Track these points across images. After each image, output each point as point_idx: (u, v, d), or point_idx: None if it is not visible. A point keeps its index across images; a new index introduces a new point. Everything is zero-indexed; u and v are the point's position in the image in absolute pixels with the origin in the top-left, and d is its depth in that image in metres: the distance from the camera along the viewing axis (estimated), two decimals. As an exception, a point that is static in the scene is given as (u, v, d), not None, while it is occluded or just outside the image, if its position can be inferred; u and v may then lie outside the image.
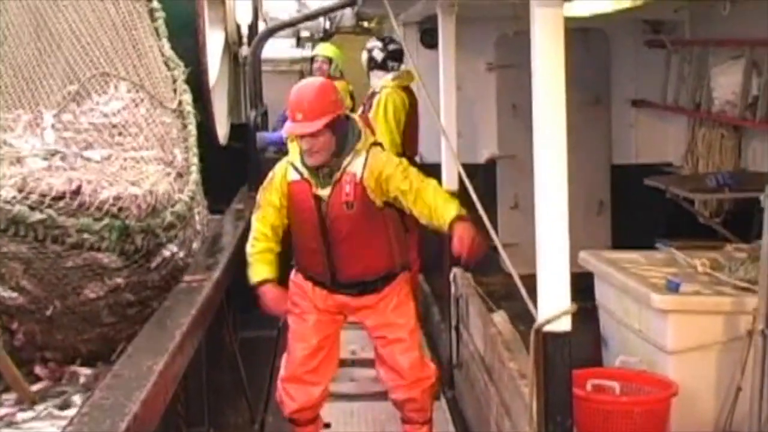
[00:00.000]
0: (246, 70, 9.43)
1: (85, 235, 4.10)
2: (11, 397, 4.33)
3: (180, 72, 5.48)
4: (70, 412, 4.26)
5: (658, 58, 8.35)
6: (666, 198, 7.18)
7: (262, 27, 9.63)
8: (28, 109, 4.60)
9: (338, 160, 4.72)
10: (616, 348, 5.66)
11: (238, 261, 5.66)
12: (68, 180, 4.11)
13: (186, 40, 6.98)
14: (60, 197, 4.05)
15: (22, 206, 3.94)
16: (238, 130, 9.03)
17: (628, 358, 5.26)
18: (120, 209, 4.23)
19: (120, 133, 4.61)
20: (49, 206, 3.99)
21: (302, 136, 4.66)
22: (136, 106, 4.89)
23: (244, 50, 9.26)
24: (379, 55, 7.65)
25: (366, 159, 4.73)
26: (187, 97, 5.44)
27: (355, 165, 4.72)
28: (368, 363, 6.37)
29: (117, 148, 4.52)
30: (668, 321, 5.05)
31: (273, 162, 8.56)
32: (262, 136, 8.58)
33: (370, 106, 7.35)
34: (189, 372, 4.20)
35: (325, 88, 4.81)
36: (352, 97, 9.32)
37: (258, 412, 5.79)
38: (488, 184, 8.76)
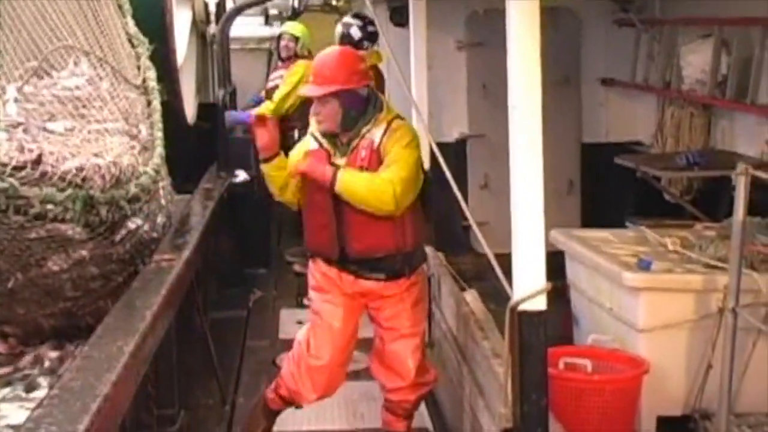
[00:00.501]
0: (214, 48, 9.35)
1: (49, 206, 4.01)
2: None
3: (144, 49, 5.41)
4: (38, 394, 4.23)
5: (628, 37, 8.33)
6: (635, 177, 7.19)
7: (229, 5, 9.54)
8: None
9: (357, 129, 4.64)
10: (588, 326, 5.68)
11: (208, 241, 5.62)
12: (28, 150, 4.03)
13: (153, 19, 6.91)
14: (21, 167, 3.95)
15: None
16: (206, 109, 8.96)
17: (600, 336, 5.29)
18: (84, 179, 4.15)
19: (84, 106, 4.52)
20: (11, 176, 3.90)
21: (316, 101, 4.64)
22: (100, 80, 4.81)
23: (212, 29, 9.18)
24: (356, 34, 7.62)
25: (386, 129, 4.64)
26: (152, 74, 5.38)
27: (374, 133, 4.63)
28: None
29: (80, 121, 4.44)
30: (640, 299, 5.07)
31: (242, 142, 8.62)
32: (230, 115, 8.51)
33: None
34: (159, 353, 4.16)
35: (345, 58, 4.73)
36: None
37: (228, 393, 5.75)
38: (458, 164, 8.73)
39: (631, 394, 4.91)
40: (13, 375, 4.48)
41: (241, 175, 8.23)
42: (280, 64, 9.63)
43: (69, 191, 4.08)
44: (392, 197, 4.47)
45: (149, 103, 5.06)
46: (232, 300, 7.54)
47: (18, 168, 3.96)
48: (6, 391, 4.36)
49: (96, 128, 4.45)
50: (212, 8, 9.15)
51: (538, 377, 3.17)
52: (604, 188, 8.44)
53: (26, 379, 4.48)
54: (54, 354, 4.77)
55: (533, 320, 3.15)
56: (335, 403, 5.65)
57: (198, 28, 9.22)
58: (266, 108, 8.70)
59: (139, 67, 5.09)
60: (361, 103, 4.66)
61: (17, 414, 3.89)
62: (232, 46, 9.25)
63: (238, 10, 8.71)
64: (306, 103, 5.93)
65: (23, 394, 4.18)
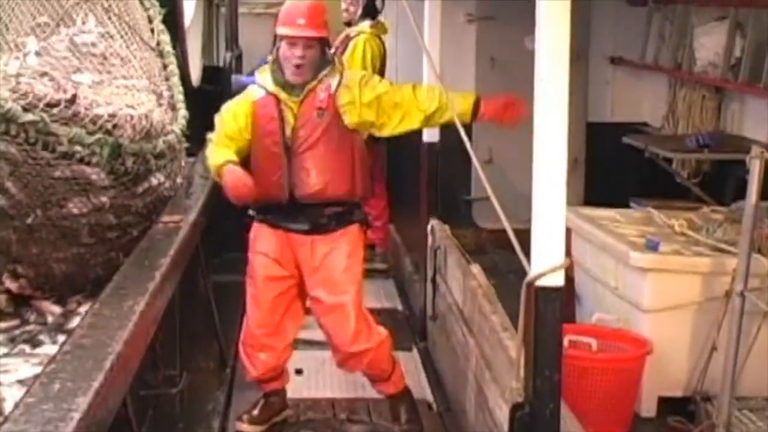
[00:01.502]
0: (221, 11, 9.28)
1: (77, 147, 4.02)
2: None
3: (156, 11, 5.34)
4: (44, 350, 4.20)
5: (639, 16, 8.28)
6: (640, 157, 7.16)
7: (239, -33, 9.47)
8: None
9: (313, 77, 4.69)
10: (591, 305, 5.66)
11: (213, 203, 5.59)
12: (63, 90, 4.00)
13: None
14: (55, 104, 3.95)
15: (15, 105, 3.82)
16: (210, 72, 8.89)
17: (604, 315, 5.27)
18: (115, 126, 4.16)
19: (103, 62, 4.48)
20: (44, 111, 3.89)
21: (297, 43, 4.61)
22: (111, 38, 4.76)
23: (221, -9, 9.12)
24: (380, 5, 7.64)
25: (340, 79, 4.73)
26: (166, 38, 5.32)
27: (329, 80, 4.71)
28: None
29: (106, 75, 4.40)
30: (646, 279, 5.05)
31: (247, 105, 8.55)
32: (237, 78, 8.47)
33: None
34: (164, 314, 4.14)
35: (321, 6, 4.83)
36: (327, 44, 9.19)
37: (229, 357, 5.74)
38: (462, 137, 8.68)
39: (634, 373, 4.90)
40: (18, 329, 4.44)
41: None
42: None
43: (98, 135, 4.08)
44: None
45: (165, 66, 4.99)
46: (233, 264, 7.47)
47: (51, 105, 3.95)
48: (10, 345, 4.32)
49: (123, 83, 4.41)
50: (222, -30, 9.10)
51: (552, 353, 3.15)
52: (608, 167, 8.41)
53: (30, 333, 4.44)
54: (57, 309, 4.74)
55: (550, 296, 3.12)
56: (335, 372, 5.64)
57: (205, -11, 9.14)
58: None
59: (152, 30, 5.02)
60: (326, 53, 4.77)
61: (24, 369, 3.86)
62: (240, 9, 9.20)
63: (249, -27, 8.64)
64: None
65: (28, 349, 4.15)
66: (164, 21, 5.56)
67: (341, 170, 4.73)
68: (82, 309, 4.51)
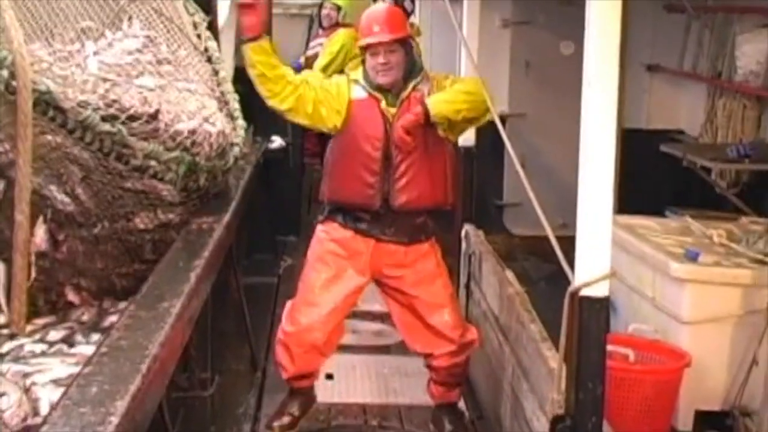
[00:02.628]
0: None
1: (152, 162, 3.98)
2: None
3: (200, 17, 5.24)
4: (80, 350, 4.16)
5: (677, 24, 8.19)
6: (676, 165, 7.07)
7: (273, -32, 9.43)
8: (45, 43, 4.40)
9: (405, 83, 4.69)
10: (626, 315, 5.58)
11: (246, 205, 5.55)
12: (148, 102, 3.98)
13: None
14: (137, 117, 3.92)
15: (94, 113, 3.78)
16: (241, 73, 8.85)
17: (641, 326, 5.19)
18: (193, 143, 4.12)
19: (159, 64, 4.42)
20: (123, 123, 3.86)
21: (378, 50, 4.61)
22: (162, 42, 4.69)
23: (255, -9, 9.09)
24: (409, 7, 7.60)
25: (431, 84, 4.72)
26: (213, 44, 5.22)
27: (422, 88, 4.70)
28: (370, 316, 6.32)
29: (168, 78, 4.35)
30: (685, 291, 4.97)
31: (278, 108, 8.53)
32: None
33: None
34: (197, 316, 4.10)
35: (398, 10, 4.98)
36: (359, 45, 9.16)
37: (260, 360, 5.70)
38: (496, 142, 8.61)
39: (671, 386, 4.83)
40: (53, 327, 4.40)
41: (277, 141, 8.15)
42: (320, 32, 9.58)
43: (176, 153, 4.04)
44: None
45: (216, 73, 4.92)
46: (263, 266, 7.49)
47: (134, 117, 3.92)
48: (44, 345, 4.27)
49: (185, 87, 4.36)
50: (256, -29, 9.06)
51: (596, 365, 3.08)
52: (642, 175, 8.31)
53: (65, 332, 4.39)
54: (93, 308, 4.69)
55: (594, 306, 3.05)
56: (366, 377, 5.61)
57: (239, -10, 9.12)
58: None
59: (199, 36, 4.95)
60: (412, 56, 4.79)
61: (59, 368, 3.81)
62: (274, 10, 9.16)
63: (284, -26, 8.62)
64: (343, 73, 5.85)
65: (65, 349, 4.10)
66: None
67: (435, 179, 4.71)
68: (116, 308, 4.47)
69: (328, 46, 9.05)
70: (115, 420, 2.38)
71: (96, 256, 4.43)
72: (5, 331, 4.09)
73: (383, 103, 4.66)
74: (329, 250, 4.80)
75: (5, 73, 3.59)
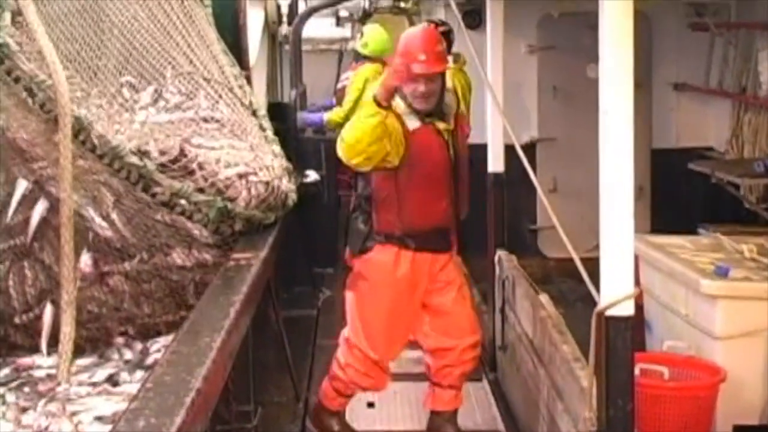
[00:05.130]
0: (285, 49, 9.44)
1: (181, 201, 4.12)
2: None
3: (238, 71, 5.31)
4: (124, 388, 4.28)
5: (702, 41, 8.27)
6: (707, 183, 7.13)
7: (301, 7, 9.62)
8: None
9: (447, 104, 4.94)
10: (661, 333, 5.63)
11: (282, 239, 5.68)
12: (180, 143, 4.16)
13: (227, 18, 7.00)
14: (164, 152, 4.10)
15: (122, 142, 3.95)
16: (275, 109, 9.03)
17: (676, 343, 5.24)
18: (228, 187, 4.22)
19: (207, 121, 4.56)
20: (149, 157, 4.03)
21: (419, 80, 4.73)
22: (216, 102, 4.80)
23: (284, 29, 9.27)
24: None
25: (458, 104, 5.05)
26: (255, 99, 5.29)
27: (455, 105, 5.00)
28: (409, 343, 6.39)
29: (233, 139, 4.50)
30: (717, 306, 5.01)
31: (311, 142, 8.69)
32: (303, 116, 8.61)
33: None
34: (238, 350, 4.21)
35: (438, 35, 5.00)
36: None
37: (302, 391, 5.80)
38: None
39: (707, 402, 4.85)
40: (98, 366, 4.51)
41: (312, 175, 8.28)
42: (353, 64, 9.72)
43: (205, 197, 4.16)
44: None
45: (263, 128, 5.01)
46: (302, 299, 7.61)
47: (162, 152, 4.10)
48: (84, 386, 4.38)
49: (242, 145, 4.49)
50: (284, 9, 9.25)
51: (624, 382, 3.18)
52: (674, 194, 8.37)
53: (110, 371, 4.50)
54: (137, 346, 4.80)
55: (620, 325, 3.15)
56: (406, 404, 5.69)
57: (269, 28, 9.29)
58: (337, 115, 8.83)
59: (241, 87, 5.07)
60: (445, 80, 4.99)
61: (104, 406, 3.93)
62: (303, 46, 9.34)
63: (312, 11, 8.79)
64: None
65: (110, 388, 4.22)
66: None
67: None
68: (158, 346, 4.57)
69: (353, 82, 9.19)
70: (162, 452, 2.50)
71: (142, 300, 4.51)
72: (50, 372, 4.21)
73: (442, 127, 4.87)
74: (391, 277, 4.97)
75: (42, 95, 3.77)
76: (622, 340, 3.14)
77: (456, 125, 4.94)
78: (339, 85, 9.66)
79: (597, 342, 3.19)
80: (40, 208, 4.17)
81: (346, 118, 8.68)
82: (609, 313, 3.13)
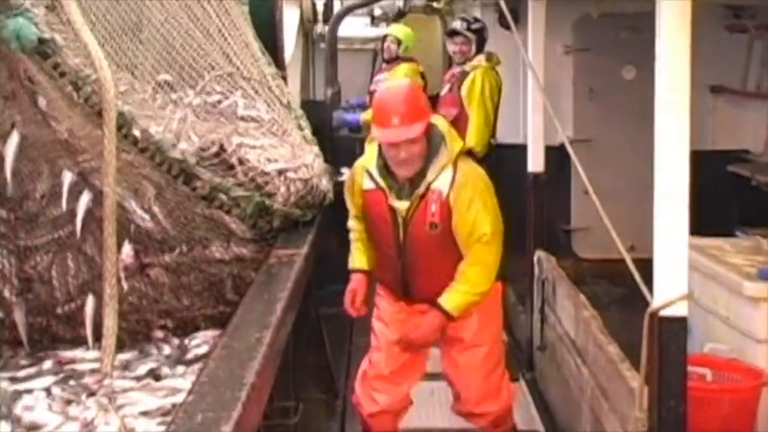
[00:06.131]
0: (319, 47, 9.46)
1: (221, 195, 4.15)
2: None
3: (275, 71, 5.33)
4: (166, 383, 4.30)
5: (740, 43, 8.21)
6: (744, 185, 7.09)
7: (337, 6, 9.64)
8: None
9: (423, 171, 4.30)
10: (701, 336, 5.60)
11: (322, 236, 5.70)
12: (219, 139, 4.20)
13: (263, 17, 7.02)
14: (204, 148, 4.13)
15: (166, 138, 4.00)
16: (309, 107, 9.04)
17: (717, 345, 5.21)
18: (267, 183, 4.26)
19: (245, 120, 4.60)
20: (194, 154, 4.07)
21: (397, 144, 4.23)
22: (254, 101, 4.83)
23: (319, 27, 9.29)
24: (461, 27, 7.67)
25: (454, 175, 4.31)
26: (291, 98, 5.33)
27: (441, 180, 4.31)
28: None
29: (272, 138, 4.52)
30: (759, 309, 4.99)
31: (347, 140, 8.70)
32: (339, 115, 8.62)
33: (459, 85, 7.31)
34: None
35: (416, 90, 4.51)
36: (423, 77, 9.30)
37: (340, 388, 5.82)
38: (562, 168, 8.69)
39: (749, 404, 4.83)
40: (138, 361, 4.53)
41: (346, 173, 8.28)
42: (384, 65, 9.73)
43: (243, 192, 4.19)
44: (493, 272, 4.44)
45: (301, 128, 5.04)
46: (337, 297, 7.58)
47: (203, 148, 4.13)
48: (128, 380, 4.40)
49: (284, 144, 4.53)
50: (319, 8, 9.27)
51: (677, 384, 3.17)
52: (709, 196, 8.31)
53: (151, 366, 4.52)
54: (175, 341, 4.83)
55: (674, 326, 3.14)
56: (445, 403, 5.67)
57: (304, 26, 9.32)
58: (371, 115, 8.81)
59: (278, 86, 5.10)
60: (432, 136, 4.34)
61: (148, 401, 3.95)
62: (338, 45, 9.36)
63: (348, 10, 8.80)
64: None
65: (152, 382, 4.25)
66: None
67: (453, 271, 4.43)
68: (196, 341, 4.59)
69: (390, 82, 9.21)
70: (222, 445, 2.52)
71: (181, 292, 4.56)
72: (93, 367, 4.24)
73: (392, 198, 4.36)
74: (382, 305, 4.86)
75: (88, 89, 3.82)
76: (675, 341, 3.14)
77: (420, 208, 4.34)
78: (373, 87, 9.67)
79: (649, 343, 3.18)
80: (85, 199, 4.19)
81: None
82: (663, 313, 3.12)
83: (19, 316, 4.34)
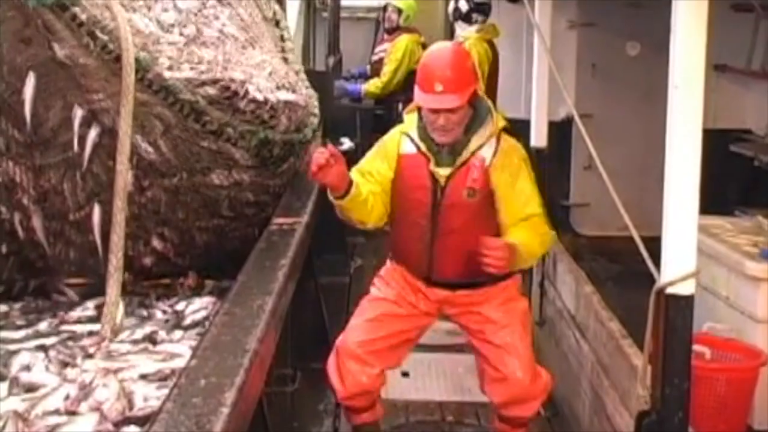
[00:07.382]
0: (322, 16, 9.40)
1: (228, 129, 4.24)
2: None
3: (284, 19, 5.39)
4: (164, 347, 4.29)
5: (745, 23, 8.16)
6: (743, 164, 7.06)
7: (339, -27, 9.58)
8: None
9: (466, 138, 4.18)
10: (701, 314, 5.58)
11: (321, 204, 5.68)
12: (231, 79, 4.25)
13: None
14: (217, 84, 4.19)
15: (177, 82, 4.08)
16: (308, 76, 8.97)
17: (716, 325, 5.21)
18: (272, 117, 4.37)
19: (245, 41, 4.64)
20: (201, 92, 4.14)
21: (437, 111, 4.10)
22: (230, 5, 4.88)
23: (321, -5, 9.25)
24: (464, 6, 7.63)
25: (497, 146, 4.22)
26: (277, 6, 5.44)
27: (485, 150, 4.20)
28: (444, 316, 6.39)
29: (242, 41, 4.59)
30: (761, 289, 4.99)
31: (347, 110, 8.67)
32: (341, 85, 8.59)
33: None
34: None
35: (463, 56, 4.32)
36: (425, 48, 9.25)
37: (337, 358, 5.80)
38: (563, 144, 8.66)
39: (748, 384, 4.84)
40: (137, 327, 4.52)
41: (346, 143, 8.26)
42: (385, 36, 9.69)
43: (249, 127, 4.28)
44: (546, 245, 4.33)
45: (282, 39, 5.20)
46: (334, 266, 7.60)
47: (215, 81, 4.19)
48: (129, 345, 4.38)
49: (261, 56, 4.54)
50: (322, -25, 9.23)
51: (682, 361, 3.14)
52: (709, 175, 8.27)
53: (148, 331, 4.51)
54: (168, 309, 4.81)
55: (680, 304, 3.12)
56: (441, 375, 5.69)
57: (306, -6, 9.27)
58: (375, 86, 8.82)
59: (281, 37, 5.12)
60: (477, 104, 4.23)
61: (146, 364, 3.93)
62: (341, 14, 9.31)
63: (353, -21, 8.74)
64: (412, 75, 5.87)
65: (150, 346, 4.23)
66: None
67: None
68: (194, 307, 4.58)
69: (392, 53, 9.16)
70: (225, 410, 2.50)
71: (177, 207, 4.65)
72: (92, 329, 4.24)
73: (432, 164, 4.20)
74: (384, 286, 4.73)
75: (105, 37, 3.87)
76: (681, 319, 3.11)
77: (461, 173, 4.21)
78: (375, 57, 9.63)
79: (655, 320, 3.16)
80: (93, 134, 4.27)
81: (384, 88, 8.71)
82: (670, 291, 3.10)
83: (37, 222, 4.56)
